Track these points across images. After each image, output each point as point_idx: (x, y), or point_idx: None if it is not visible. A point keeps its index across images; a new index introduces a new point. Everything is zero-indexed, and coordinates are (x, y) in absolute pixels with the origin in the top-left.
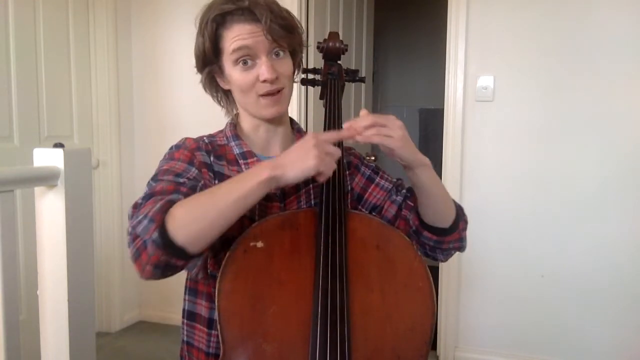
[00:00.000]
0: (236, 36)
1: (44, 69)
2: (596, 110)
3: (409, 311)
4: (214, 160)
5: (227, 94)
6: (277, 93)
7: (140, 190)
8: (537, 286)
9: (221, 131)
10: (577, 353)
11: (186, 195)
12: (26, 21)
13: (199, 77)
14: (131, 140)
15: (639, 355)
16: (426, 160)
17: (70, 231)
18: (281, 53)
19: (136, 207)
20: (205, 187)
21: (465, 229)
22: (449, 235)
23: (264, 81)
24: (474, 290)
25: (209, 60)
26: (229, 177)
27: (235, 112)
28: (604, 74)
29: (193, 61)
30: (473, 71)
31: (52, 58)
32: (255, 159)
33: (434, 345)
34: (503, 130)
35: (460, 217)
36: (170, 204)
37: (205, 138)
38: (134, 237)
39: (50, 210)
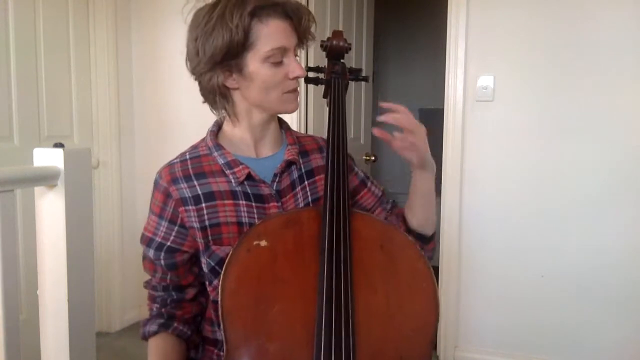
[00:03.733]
0: (274, 33)
1: (44, 69)
2: (596, 110)
3: (413, 311)
4: (198, 183)
5: (227, 94)
6: (296, 90)
7: (141, 190)
8: (537, 286)
9: (203, 139)
10: (577, 353)
11: (162, 275)
12: (26, 21)
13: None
14: (131, 140)
15: (639, 354)
16: (434, 163)
17: (70, 231)
18: (296, 52)
19: (147, 283)
20: (179, 233)
21: (436, 244)
22: (428, 244)
23: (294, 78)
24: (474, 290)
25: (232, 54)
26: (217, 191)
27: (223, 114)
28: (604, 73)
29: None
30: (473, 71)
31: (52, 58)
32: (241, 166)
33: (434, 345)
34: (503, 130)
35: (434, 235)
36: (146, 335)
37: (187, 154)
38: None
39: (50, 210)
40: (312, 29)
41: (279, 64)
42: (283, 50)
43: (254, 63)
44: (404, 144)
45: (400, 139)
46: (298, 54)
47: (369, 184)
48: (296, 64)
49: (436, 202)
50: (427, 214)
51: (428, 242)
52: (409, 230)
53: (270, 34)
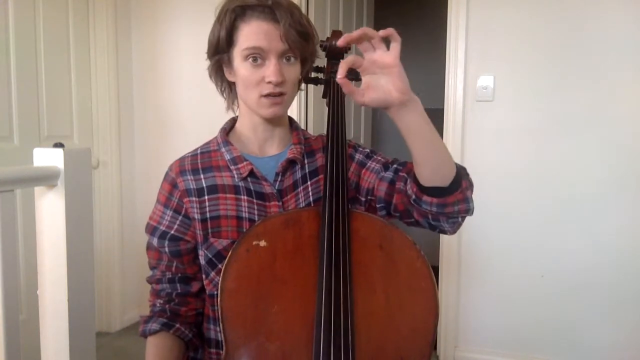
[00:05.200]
0: (253, 33)
1: (44, 69)
2: (596, 110)
3: (412, 311)
4: (204, 176)
5: (231, 85)
6: (278, 96)
7: (141, 190)
8: (537, 286)
9: (217, 136)
10: (577, 353)
11: (167, 262)
12: (26, 21)
13: (199, 76)
14: (131, 140)
15: (639, 353)
16: (415, 96)
17: (70, 231)
18: (292, 59)
19: (150, 277)
20: (183, 223)
21: (469, 188)
22: (450, 195)
23: (269, 83)
24: (474, 290)
25: (221, 49)
26: (221, 185)
27: (236, 108)
28: (603, 73)
29: (193, 61)
30: (473, 71)
31: (52, 58)
32: (245, 162)
33: (434, 345)
34: (503, 130)
35: (462, 176)
36: (146, 333)
37: (199, 149)
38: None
39: (50, 210)
40: (309, 36)
41: (259, 65)
42: (260, 51)
43: (237, 60)
44: (379, 67)
45: (368, 60)
46: (288, 60)
47: (368, 163)
48: (273, 69)
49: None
50: (432, 161)
51: (449, 193)
52: (423, 189)
53: (249, 33)
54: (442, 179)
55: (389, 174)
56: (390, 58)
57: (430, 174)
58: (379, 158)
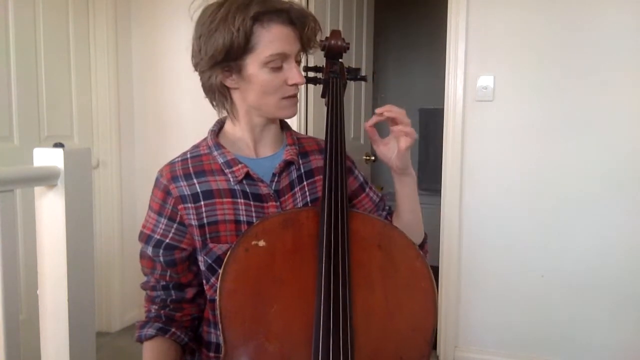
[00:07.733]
0: (276, 39)
1: (44, 69)
2: (595, 110)
3: (411, 311)
4: (197, 181)
5: (226, 93)
6: (295, 96)
7: (140, 190)
8: (537, 286)
9: (205, 139)
10: (577, 353)
11: (161, 272)
12: (26, 21)
13: (198, 77)
14: (131, 140)
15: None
16: (413, 172)
17: (70, 231)
18: (299, 58)
19: (144, 284)
20: (178, 230)
21: (427, 253)
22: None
23: (293, 85)
24: (474, 290)
25: (233, 56)
26: (216, 189)
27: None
28: (603, 73)
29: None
30: (473, 71)
31: (52, 58)
32: (240, 165)
33: (434, 345)
34: (503, 130)
35: (426, 238)
36: (142, 339)
37: (188, 153)
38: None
39: (50, 210)
40: (318, 36)
41: (278, 69)
42: (283, 56)
43: (254, 66)
44: (405, 129)
45: (401, 124)
46: (300, 59)
47: (367, 189)
48: (296, 71)
49: (434, 202)
50: (413, 222)
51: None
52: None
53: (271, 39)
54: (416, 238)
55: (384, 213)
56: (403, 146)
57: (408, 232)
58: (375, 191)
